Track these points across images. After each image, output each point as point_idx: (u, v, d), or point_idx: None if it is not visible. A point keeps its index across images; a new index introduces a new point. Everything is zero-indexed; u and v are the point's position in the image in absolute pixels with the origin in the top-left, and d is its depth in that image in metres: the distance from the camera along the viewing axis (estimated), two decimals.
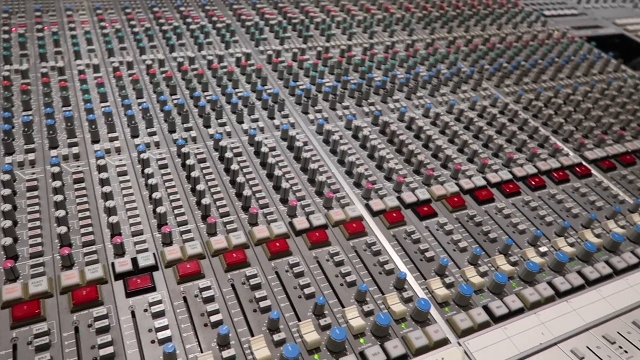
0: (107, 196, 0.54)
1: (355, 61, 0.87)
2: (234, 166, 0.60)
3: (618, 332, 0.51)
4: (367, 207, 0.61)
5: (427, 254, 0.56)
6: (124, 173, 0.59)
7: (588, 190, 0.69)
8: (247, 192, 0.57)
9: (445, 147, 0.72)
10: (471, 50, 0.97)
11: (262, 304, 0.48)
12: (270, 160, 0.63)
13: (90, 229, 0.52)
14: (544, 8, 1.23)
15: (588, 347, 0.49)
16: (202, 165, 0.62)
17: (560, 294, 0.54)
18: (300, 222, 0.56)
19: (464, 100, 0.83)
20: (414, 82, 0.84)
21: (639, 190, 0.71)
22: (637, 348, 0.50)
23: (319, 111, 0.75)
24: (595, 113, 0.83)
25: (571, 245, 0.60)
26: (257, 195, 0.59)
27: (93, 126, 0.64)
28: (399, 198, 0.62)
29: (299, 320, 0.47)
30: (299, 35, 0.93)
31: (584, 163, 0.74)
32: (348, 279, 0.51)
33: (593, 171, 0.73)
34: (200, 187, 0.57)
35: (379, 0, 1.11)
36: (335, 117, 0.75)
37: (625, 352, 0.49)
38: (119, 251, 0.50)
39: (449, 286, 0.53)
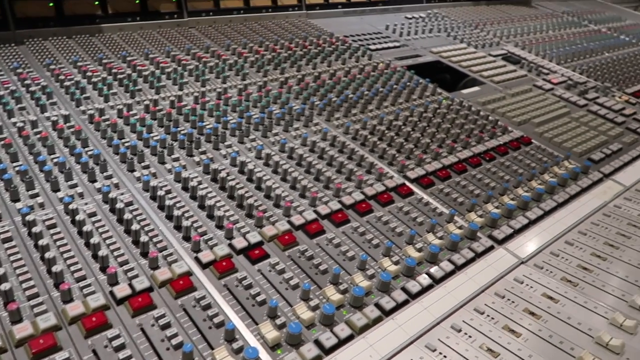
0: None
1: (185, 111, 0.86)
2: (44, 241, 0.56)
3: (439, 339, 0.55)
4: (197, 260, 0.60)
5: (259, 298, 0.56)
6: None
7: (411, 208, 0.74)
8: (57, 267, 0.53)
9: (276, 187, 0.73)
10: (302, 89, 1.02)
11: None
12: (88, 227, 0.59)
13: None
14: (370, 43, 1.34)
15: None
16: (7, 245, 0.56)
17: (386, 313, 0.57)
18: (122, 290, 0.53)
19: (296, 138, 0.86)
20: (246, 125, 0.85)
21: (454, 201, 0.78)
22: (455, 351, 0.54)
23: (147, 167, 0.73)
24: (415, 135, 0.91)
25: (396, 263, 0.64)
26: (72, 268, 0.55)
27: None
28: (230, 245, 0.62)
29: None
30: (125, 90, 0.90)
31: (407, 183, 0.80)
32: (174, 341, 0.49)
33: (415, 189, 0.79)
34: (0, 270, 0.51)
35: (212, 47, 1.12)
36: (164, 170, 0.73)
37: (445, 357, 0.53)
38: None
39: (280, 327, 0.53)
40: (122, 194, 0.67)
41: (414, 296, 0.60)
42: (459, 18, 1.71)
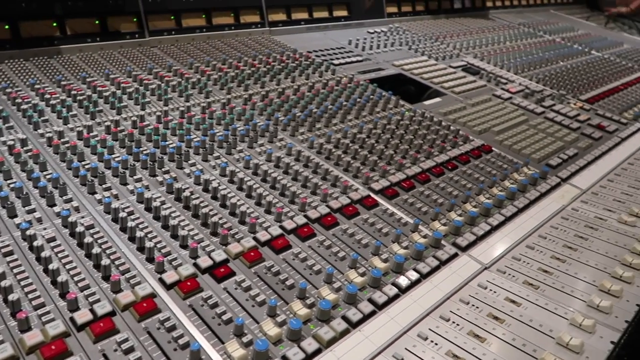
0: None
1: (147, 131, 0.85)
2: None
3: (405, 349, 0.56)
4: (161, 281, 0.59)
5: (225, 317, 0.55)
6: None
7: (376, 219, 0.75)
8: (14, 295, 0.51)
9: (241, 203, 0.73)
10: (266, 105, 1.02)
11: None
12: (46, 253, 0.57)
13: None
14: (333, 58, 1.36)
15: None
16: None
17: (353, 325, 0.57)
18: (82, 315, 0.52)
19: (260, 154, 0.86)
20: (210, 143, 0.85)
21: (418, 211, 0.79)
22: (422, 359, 0.54)
23: (108, 189, 0.72)
24: (379, 147, 0.93)
25: (362, 274, 0.64)
26: (30, 295, 0.54)
27: None
28: (195, 265, 0.62)
29: None
30: (86, 112, 0.89)
31: (372, 194, 0.81)
32: None
33: (380, 200, 0.80)
34: None
35: (174, 66, 1.12)
36: (127, 192, 0.72)
37: None
38: None
39: (247, 345, 0.53)
40: (82, 217, 0.66)
41: (380, 307, 0.60)
42: (419, 31, 1.75)
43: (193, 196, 0.72)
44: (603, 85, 1.53)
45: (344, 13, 1.65)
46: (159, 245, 0.63)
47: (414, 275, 0.66)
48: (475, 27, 1.94)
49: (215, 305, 0.57)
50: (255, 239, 0.67)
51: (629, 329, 0.60)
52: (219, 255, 0.63)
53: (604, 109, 1.35)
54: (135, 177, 0.75)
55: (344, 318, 0.58)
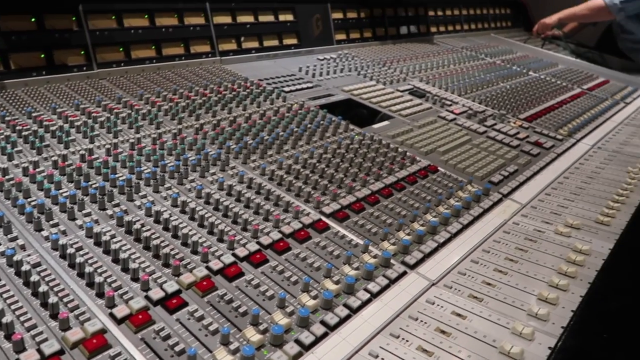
0: None
1: (96, 164, 0.85)
2: None
3: None
4: (112, 315, 0.58)
5: (177, 348, 0.55)
6: None
7: (327, 242, 0.77)
8: None
9: (193, 233, 0.74)
10: (218, 134, 1.03)
11: None
12: None
13: None
14: (284, 85, 1.40)
15: None
16: None
17: (306, 348, 0.59)
18: (29, 356, 0.51)
19: (212, 183, 0.87)
20: (160, 174, 0.86)
21: (368, 232, 0.82)
22: None
23: (55, 225, 0.71)
24: (329, 172, 0.95)
25: (314, 297, 0.66)
26: None
27: None
28: (146, 297, 0.62)
29: None
30: (32, 147, 0.88)
31: (323, 218, 0.83)
32: None
33: (331, 224, 0.82)
34: None
35: (124, 98, 1.12)
36: (75, 227, 0.71)
37: None
38: None
39: None
40: (28, 255, 0.65)
41: (332, 328, 0.62)
42: (367, 57, 1.81)
43: (144, 228, 0.73)
44: (540, 104, 1.63)
45: (294, 41, 1.69)
46: (109, 280, 0.63)
47: (364, 295, 0.68)
48: (421, 52, 2.03)
49: (167, 337, 0.57)
50: (207, 268, 0.68)
51: (564, 334, 0.64)
52: (171, 287, 0.63)
53: (541, 126, 1.43)
54: (84, 211, 0.74)
55: (297, 341, 0.59)
